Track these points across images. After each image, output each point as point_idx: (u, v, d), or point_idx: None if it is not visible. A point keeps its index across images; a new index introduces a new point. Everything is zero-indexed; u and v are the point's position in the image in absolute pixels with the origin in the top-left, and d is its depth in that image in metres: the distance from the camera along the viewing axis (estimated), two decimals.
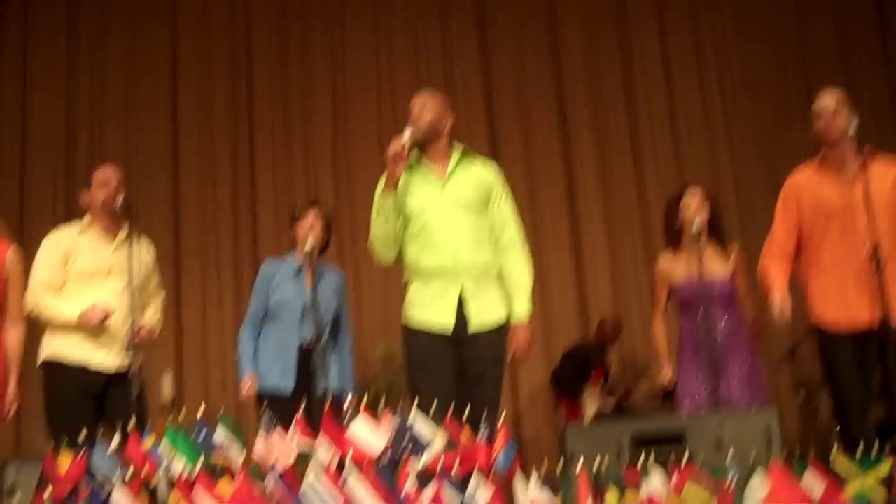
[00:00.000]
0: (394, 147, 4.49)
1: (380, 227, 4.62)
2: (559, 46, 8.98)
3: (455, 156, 4.73)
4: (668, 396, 6.91)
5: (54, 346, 4.94)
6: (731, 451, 3.91)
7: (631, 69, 8.94)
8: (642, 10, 9.04)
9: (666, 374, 5.59)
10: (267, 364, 5.24)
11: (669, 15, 9.04)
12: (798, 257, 4.88)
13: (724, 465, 3.85)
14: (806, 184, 4.79)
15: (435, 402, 3.97)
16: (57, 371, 4.90)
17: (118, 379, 4.83)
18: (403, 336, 4.71)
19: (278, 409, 4.42)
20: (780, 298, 4.75)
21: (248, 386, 5.25)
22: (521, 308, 4.65)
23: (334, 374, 5.20)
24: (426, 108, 4.67)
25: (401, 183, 4.61)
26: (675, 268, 5.47)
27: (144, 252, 5.21)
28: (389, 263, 4.80)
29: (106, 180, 5.06)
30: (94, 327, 4.86)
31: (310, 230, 5.26)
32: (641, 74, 8.93)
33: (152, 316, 5.24)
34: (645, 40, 8.97)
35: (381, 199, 4.59)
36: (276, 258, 5.58)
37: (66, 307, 4.89)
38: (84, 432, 3.94)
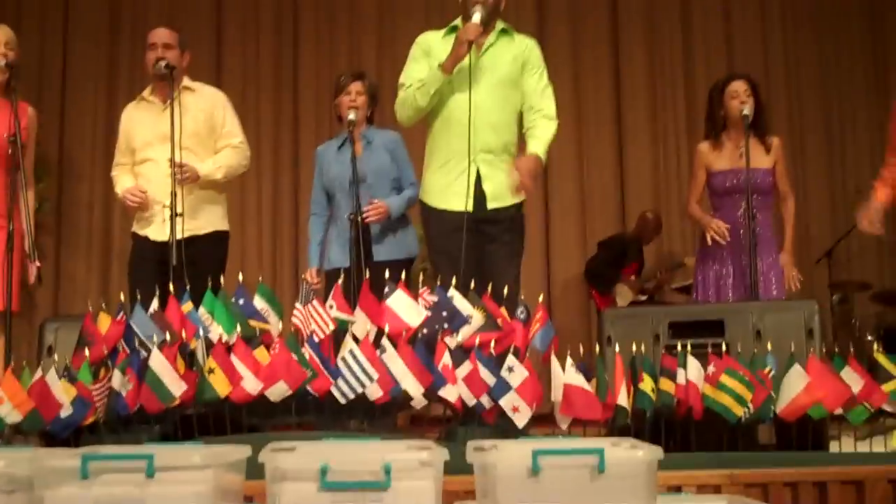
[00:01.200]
0: (472, 31, 4.43)
1: (424, 99, 4.58)
2: None
3: (494, 33, 4.66)
4: None
5: (134, 222, 5.14)
6: (770, 342, 3.88)
7: None
8: None
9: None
10: (331, 244, 5.21)
11: None
12: None
13: (762, 356, 3.82)
14: None
15: (454, 281, 3.95)
16: (132, 244, 5.12)
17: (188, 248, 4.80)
18: (422, 215, 4.75)
19: (334, 280, 4.38)
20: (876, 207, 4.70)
21: (311, 278, 5.24)
22: (537, 148, 4.62)
23: (390, 242, 5.11)
24: (492, 3, 4.58)
25: (439, 47, 4.60)
26: (715, 155, 5.37)
27: (208, 99, 5.16)
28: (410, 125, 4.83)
29: (154, 41, 5.04)
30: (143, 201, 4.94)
31: (352, 102, 5.18)
32: None
33: (212, 161, 5.12)
34: None
35: (435, 75, 4.52)
36: (325, 143, 5.51)
37: (121, 183, 5.07)
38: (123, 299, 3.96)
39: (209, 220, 5.04)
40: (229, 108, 5.24)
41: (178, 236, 4.54)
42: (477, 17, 4.45)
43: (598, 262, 7.89)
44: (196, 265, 4.53)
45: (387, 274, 3.99)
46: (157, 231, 4.92)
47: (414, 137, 5.30)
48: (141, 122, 5.06)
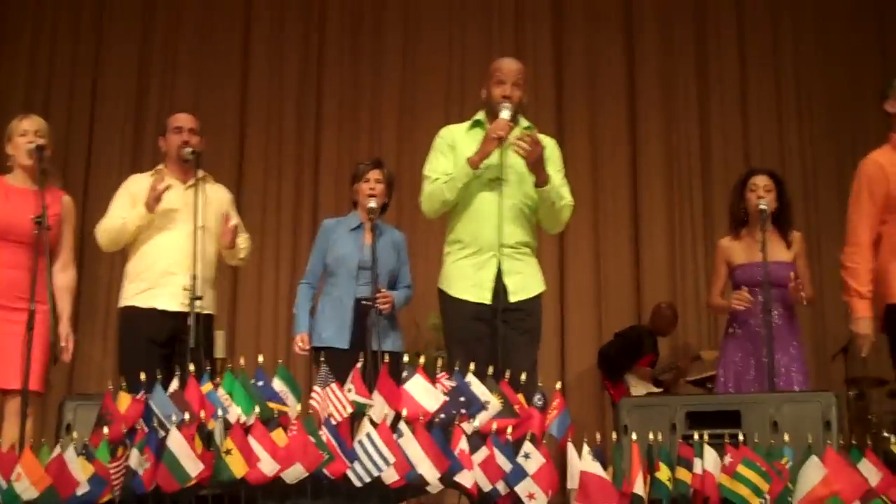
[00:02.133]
0: (503, 128, 4.49)
1: (452, 193, 4.61)
2: (632, 21, 8.87)
3: (518, 129, 4.71)
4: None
5: (127, 295, 5.10)
6: (787, 434, 3.87)
7: (705, 47, 8.79)
8: None
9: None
10: (324, 320, 5.26)
11: None
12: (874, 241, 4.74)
13: (779, 447, 3.82)
14: (889, 163, 4.62)
15: (472, 367, 3.96)
16: (129, 318, 5.07)
17: (185, 326, 4.86)
18: (442, 305, 4.77)
19: (334, 362, 4.44)
20: (864, 334, 4.66)
21: (299, 343, 5.30)
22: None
23: (392, 335, 5.20)
24: (519, 82, 4.66)
25: (464, 142, 4.67)
26: (736, 250, 5.42)
27: (221, 192, 5.35)
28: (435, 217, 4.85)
29: (180, 126, 5.18)
30: (161, 268, 5.01)
31: (372, 189, 5.29)
32: (715, 53, 8.78)
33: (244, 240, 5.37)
34: (721, 17, 8.83)
35: (463, 170, 4.56)
36: (337, 217, 5.62)
37: (130, 215, 5.06)
38: (149, 376, 3.97)
39: (209, 302, 5.08)
40: (234, 207, 5.46)
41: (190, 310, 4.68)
42: (506, 114, 4.52)
43: (612, 349, 7.88)
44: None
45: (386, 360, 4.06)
46: (166, 302, 4.98)
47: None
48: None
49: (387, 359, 4.13)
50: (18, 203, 4.70)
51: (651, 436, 3.88)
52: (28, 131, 4.80)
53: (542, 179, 4.57)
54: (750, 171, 5.58)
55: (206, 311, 4.96)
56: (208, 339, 5.05)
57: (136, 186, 5.15)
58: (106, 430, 3.74)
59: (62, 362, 4.89)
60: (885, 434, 5.95)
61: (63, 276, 4.91)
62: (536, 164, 4.51)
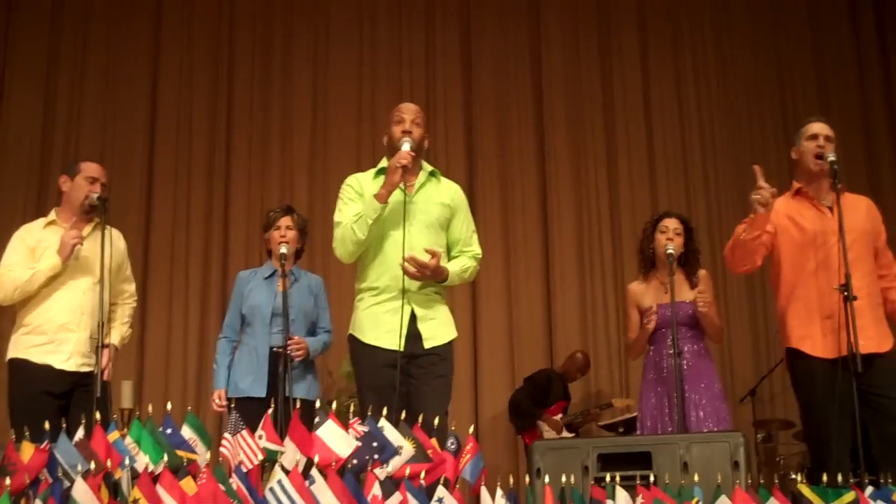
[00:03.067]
0: (404, 158, 4.52)
1: (363, 231, 4.58)
2: (540, 69, 9.05)
3: (423, 174, 4.77)
4: (629, 429, 6.94)
5: (20, 346, 4.92)
6: (697, 474, 3.92)
7: (611, 95, 9.02)
8: (624, 34, 9.14)
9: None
10: (240, 371, 5.23)
11: (651, 39, 9.15)
12: (774, 285, 4.87)
13: (689, 487, 3.85)
14: (783, 210, 4.78)
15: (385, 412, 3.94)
16: (23, 370, 4.88)
17: (83, 380, 4.76)
18: (353, 351, 4.74)
19: (248, 410, 4.39)
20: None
21: (216, 399, 5.24)
22: (449, 266, 4.68)
23: (308, 381, 5.16)
24: (419, 121, 4.73)
25: (370, 189, 4.67)
26: (644, 293, 5.48)
27: (115, 239, 5.14)
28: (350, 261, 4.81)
29: (97, 176, 5.05)
30: (59, 322, 4.86)
31: (283, 237, 5.27)
32: (621, 97, 9.00)
33: (121, 327, 5.21)
34: (626, 65, 9.06)
35: (371, 205, 4.56)
36: (251, 269, 5.60)
37: (39, 264, 4.87)
38: (48, 427, 3.87)
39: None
40: (127, 255, 5.32)
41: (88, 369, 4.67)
42: (407, 146, 4.57)
43: (521, 398, 7.89)
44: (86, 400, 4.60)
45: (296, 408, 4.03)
46: (62, 362, 4.86)
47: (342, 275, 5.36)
48: (53, 246, 4.93)
49: (298, 405, 4.09)
50: None
51: (564, 478, 3.89)
52: None
53: (441, 279, 4.64)
54: (662, 213, 5.66)
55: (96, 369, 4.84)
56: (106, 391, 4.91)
57: (32, 238, 4.99)
58: (8, 480, 3.63)
59: None
60: (793, 476, 6.08)
61: None
62: (431, 277, 4.57)
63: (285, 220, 5.36)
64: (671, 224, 5.45)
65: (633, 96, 8.98)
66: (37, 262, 4.90)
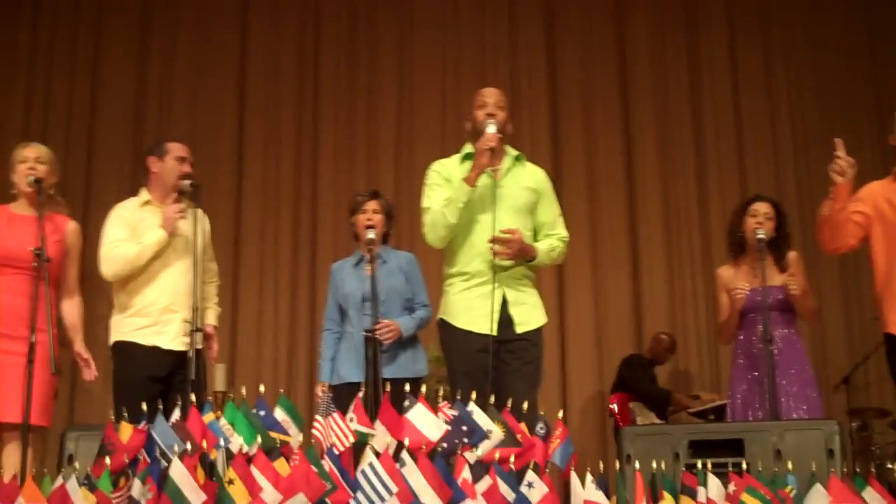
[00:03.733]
0: (491, 140, 4.54)
1: (454, 215, 4.61)
2: (626, 54, 8.97)
3: (508, 158, 4.78)
4: (719, 417, 6.87)
5: (125, 329, 4.97)
6: (790, 462, 3.86)
7: (698, 77, 8.89)
8: (712, 17, 9.00)
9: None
10: (342, 360, 5.27)
11: (739, 22, 8.98)
12: (873, 269, 4.74)
13: (782, 475, 3.80)
14: (881, 192, 4.66)
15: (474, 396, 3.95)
16: (130, 353, 4.93)
17: (183, 361, 4.84)
18: (443, 336, 4.77)
19: (347, 395, 4.41)
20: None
21: (319, 392, 5.30)
22: (538, 245, 4.70)
23: (404, 360, 5.17)
24: (501, 105, 4.75)
25: (457, 174, 4.69)
26: (734, 277, 5.41)
27: (201, 219, 5.13)
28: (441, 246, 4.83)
29: (185, 156, 5.08)
30: (163, 304, 4.93)
31: (370, 220, 5.30)
32: (709, 82, 8.87)
33: (215, 308, 5.27)
34: (714, 48, 8.93)
35: (461, 189, 4.59)
36: (340, 260, 5.62)
37: (145, 238, 4.91)
38: (151, 407, 3.95)
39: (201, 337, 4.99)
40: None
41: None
42: (492, 128, 4.58)
43: (643, 383, 7.87)
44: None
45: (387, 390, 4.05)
46: (169, 342, 4.91)
47: (429, 259, 5.39)
48: (152, 225, 4.99)
49: (405, 387, 4.08)
50: (21, 231, 4.70)
51: (654, 465, 3.87)
52: (28, 158, 4.80)
53: (529, 258, 4.65)
54: (753, 196, 5.58)
55: (198, 346, 4.91)
56: (202, 373, 4.99)
57: (129, 214, 5.02)
58: (108, 460, 3.71)
59: (61, 394, 4.88)
60: (889, 465, 5.95)
61: (70, 306, 4.92)
62: (518, 255, 4.59)
63: (371, 205, 5.37)
64: (762, 208, 5.36)
65: (722, 80, 8.84)
66: (140, 239, 4.96)
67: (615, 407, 7.68)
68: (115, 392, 4.91)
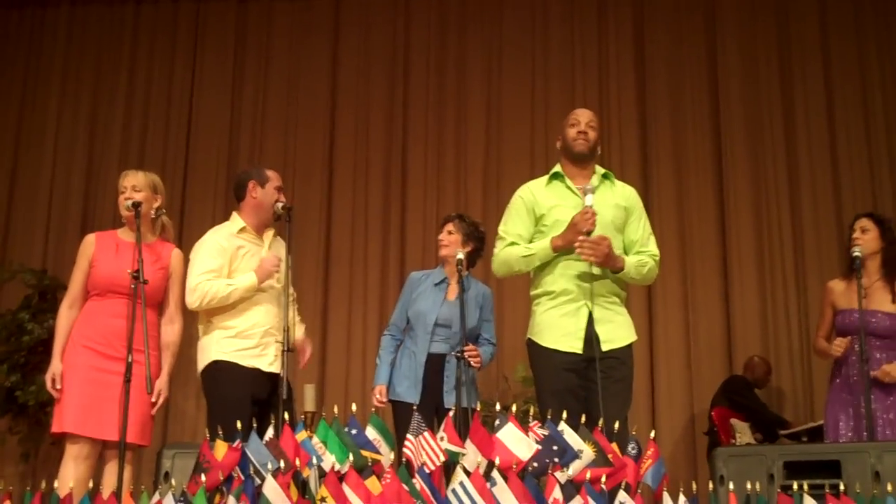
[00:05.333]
0: (588, 222, 4.51)
1: (528, 269, 4.74)
2: (717, 73, 8.86)
3: (596, 177, 4.78)
4: (814, 438, 6.74)
5: (225, 349, 5.03)
6: (890, 484, 3.78)
7: (791, 94, 8.74)
8: (806, 34, 8.85)
9: None
10: (399, 375, 5.33)
11: (833, 40, 8.82)
12: None
13: (882, 497, 3.72)
14: None
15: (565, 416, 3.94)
16: (232, 373, 5.00)
17: (277, 382, 4.90)
18: (532, 356, 4.77)
19: (401, 414, 4.46)
20: None
21: (377, 395, 5.35)
22: (627, 259, 4.66)
23: (468, 391, 5.19)
24: (593, 125, 4.78)
25: (544, 196, 4.72)
26: (843, 293, 5.31)
27: (282, 248, 5.28)
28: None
29: (279, 186, 5.24)
30: (264, 327, 5.03)
31: (441, 241, 5.36)
32: (802, 98, 8.72)
33: (300, 325, 5.35)
34: (807, 66, 8.77)
35: (545, 251, 4.63)
36: (424, 270, 5.68)
37: (237, 281, 5.01)
38: (245, 426, 4.02)
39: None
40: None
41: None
42: (590, 200, 4.56)
43: (758, 405, 7.83)
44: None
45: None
46: (270, 364, 5.00)
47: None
48: (249, 255, 5.11)
49: (452, 413, 4.14)
50: (123, 257, 4.81)
51: (749, 486, 3.82)
52: (126, 188, 4.94)
53: (617, 268, 4.62)
54: (857, 215, 5.50)
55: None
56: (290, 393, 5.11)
57: (227, 243, 5.11)
58: (203, 477, 3.79)
59: (158, 415, 4.97)
60: None
61: (169, 330, 5.00)
62: (605, 260, 4.55)
63: (448, 226, 5.44)
64: (859, 224, 5.29)
65: (815, 95, 8.68)
66: (234, 271, 5.06)
67: (716, 421, 7.59)
68: (214, 409, 4.99)
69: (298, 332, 5.25)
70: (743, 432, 7.56)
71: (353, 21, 9.24)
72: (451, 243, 5.36)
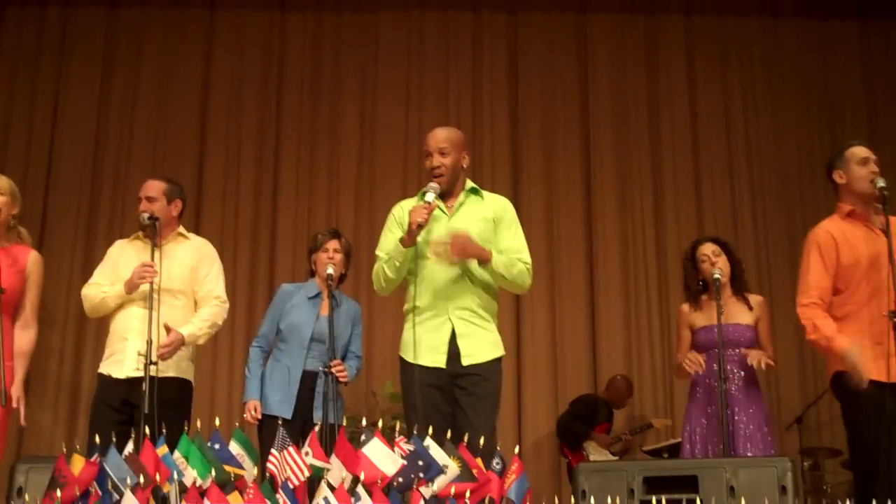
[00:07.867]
0: (421, 217, 4.49)
1: (393, 272, 4.66)
2: (587, 91, 9.05)
3: (463, 193, 4.79)
4: (674, 455, 6.91)
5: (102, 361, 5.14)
6: (744, 498, 3.89)
7: (657, 116, 9.00)
8: (672, 56, 9.13)
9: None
10: (269, 389, 5.28)
11: (698, 62, 9.11)
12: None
13: None
14: (839, 233, 4.72)
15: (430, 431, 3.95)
16: (98, 385, 5.11)
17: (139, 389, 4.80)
18: (400, 371, 4.76)
19: (271, 429, 4.43)
20: (858, 361, 4.48)
21: (250, 411, 5.29)
22: (493, 251, 4.63)
23: (335, 406, 5.18)
24: (444, 151, 4.71)
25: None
26: (696, 314, 5.49)
27: (193, 252, 5.28)
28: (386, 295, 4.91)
29: (139, 196, 5.26)
30: (119, 334, 5.03)
31: (330, 259, 5.33)
32: (668, 121, 8.99)
33: (197, 322, 5.20)
34: (673, 87, 9.05)
35: (398, 249, 4.60)
36: (296, 283, 5.63)
37: (110, 289, 5.09)
38: (104, 439, 3.92)
39: (173, 364, 5.05)
40: (216, 262, 5.35)
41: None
42: (430, 196, 4.57)
43: (569, 419, 7.88)
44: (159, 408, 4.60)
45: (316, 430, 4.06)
46: (117, 370, 4.99)
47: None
48: (130, 259, 5.13)
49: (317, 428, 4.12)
50: None
51: (609, 501, 3.88)
52: None
53: (483, 260, 4.60)
54: (694, 242, 5.69)
55: (166, 374, 4.92)
56: (182, 402, 5.12)
57: (122, 256, 5.22)
58: (59, 492, 3.67)
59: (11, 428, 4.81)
60: None
61: (22, 336, 4.80)
62: (465, 254, 4.56)
63: (333, 244, 5.43)
64: (708, 249, 5.49)
65: (680, 119, 8.96)
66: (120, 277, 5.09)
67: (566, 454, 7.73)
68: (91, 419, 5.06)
69: (185, 328, 5.10)
70: (597, 451, 7.69)
71: (226, 35, 9.17)
72: (339, 262, 5.37)
